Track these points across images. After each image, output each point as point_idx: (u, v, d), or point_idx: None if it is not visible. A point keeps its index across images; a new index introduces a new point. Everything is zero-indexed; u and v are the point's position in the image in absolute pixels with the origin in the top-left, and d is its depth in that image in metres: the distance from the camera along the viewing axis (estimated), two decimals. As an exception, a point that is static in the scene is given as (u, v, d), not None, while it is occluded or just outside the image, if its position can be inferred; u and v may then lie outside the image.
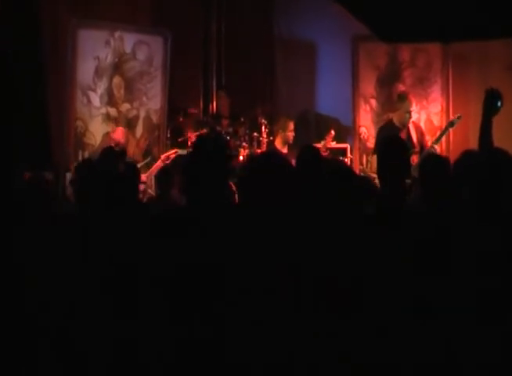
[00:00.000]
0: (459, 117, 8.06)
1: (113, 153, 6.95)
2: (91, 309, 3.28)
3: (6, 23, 7.56)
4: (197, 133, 8.56)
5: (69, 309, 3.34)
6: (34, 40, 7.83)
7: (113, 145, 7.90)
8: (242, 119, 8.91)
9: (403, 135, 7.75)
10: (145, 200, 7.55)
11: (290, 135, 8.46)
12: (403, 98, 8.23)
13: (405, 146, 4.33)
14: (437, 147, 7.97)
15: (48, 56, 8.04)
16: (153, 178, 8.05)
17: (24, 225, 3.78)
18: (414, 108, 8.34)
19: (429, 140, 8.26)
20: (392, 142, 4.24)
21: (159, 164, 8.12)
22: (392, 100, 8.91)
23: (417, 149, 7.97)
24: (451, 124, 8.12)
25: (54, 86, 8.13)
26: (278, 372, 2.76)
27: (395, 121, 8.14)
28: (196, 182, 3.13)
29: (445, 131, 8.21)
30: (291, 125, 8.48)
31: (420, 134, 8.23)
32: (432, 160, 4.61)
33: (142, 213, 4.32)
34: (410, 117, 8.14)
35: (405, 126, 8.08)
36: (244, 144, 8.74)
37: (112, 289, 3.25)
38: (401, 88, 8.99)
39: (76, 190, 4.64)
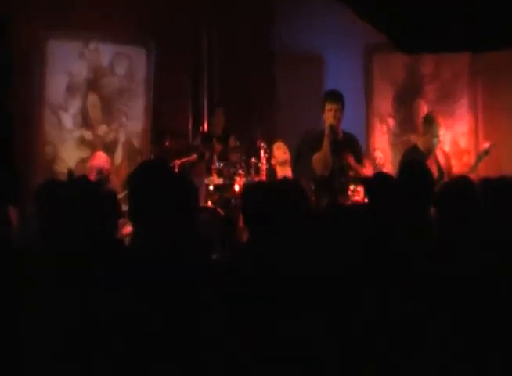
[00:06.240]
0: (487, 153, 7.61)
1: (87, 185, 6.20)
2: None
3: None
4: (185, 160, 8.25)
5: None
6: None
7: (94, 174, 7.29)
8: (237, 143, 8.57)
9: (431, 162, 7.19)
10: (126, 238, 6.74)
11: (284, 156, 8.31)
12: (430, 120, 7.61)
13: (428, 171, 4.45)
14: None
15: (15, 70, 7.80)
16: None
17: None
18: (443, 132, 7.73)
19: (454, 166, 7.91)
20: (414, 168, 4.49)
21: None
22: (413, 119, 8.77)
23: (447, 179, 7.43)
24: (485, 152, 7.57)
25: (20, 105, 7.89)
26: None
27: (420, 146, 7.55)
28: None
29: (479, 160, 7.61)
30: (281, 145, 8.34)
31: (448, 162, 7.72)
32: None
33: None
34: (438, 143, 7.57)
35: (432, 152, 7.51)
36: (240, 171, 8.28)
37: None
38: (422, 104, 8.82)
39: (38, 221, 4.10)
